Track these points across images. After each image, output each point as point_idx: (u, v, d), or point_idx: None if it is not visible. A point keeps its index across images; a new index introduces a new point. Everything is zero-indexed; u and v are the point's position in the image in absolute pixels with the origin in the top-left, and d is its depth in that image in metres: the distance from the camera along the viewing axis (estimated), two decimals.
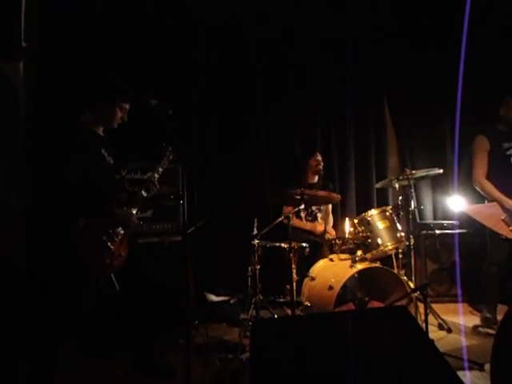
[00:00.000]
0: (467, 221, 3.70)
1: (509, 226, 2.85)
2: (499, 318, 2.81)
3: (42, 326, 2.03)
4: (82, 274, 2.04)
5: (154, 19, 3.67)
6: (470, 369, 2.25)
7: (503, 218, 2.87)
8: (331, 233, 3.67)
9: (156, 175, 2.33)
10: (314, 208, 3.70)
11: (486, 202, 3.00)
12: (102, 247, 2.08)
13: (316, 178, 3.75)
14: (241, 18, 3.98)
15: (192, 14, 3.82)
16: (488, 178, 2.97)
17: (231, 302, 3.34)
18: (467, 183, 3.21)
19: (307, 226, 3.64)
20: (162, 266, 2.84)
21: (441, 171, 3.18)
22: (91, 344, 2.54)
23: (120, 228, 2.16)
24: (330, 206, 3.83)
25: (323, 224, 3.52)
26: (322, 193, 3.12)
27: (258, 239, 2.94)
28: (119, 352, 2.47)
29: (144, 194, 2.27)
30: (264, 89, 4.04)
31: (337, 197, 3.09)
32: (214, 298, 3.36)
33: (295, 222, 3.56)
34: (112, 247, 2.11)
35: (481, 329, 2.94)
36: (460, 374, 2.15)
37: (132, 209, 2.23)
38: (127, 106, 2.31)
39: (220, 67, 3.93)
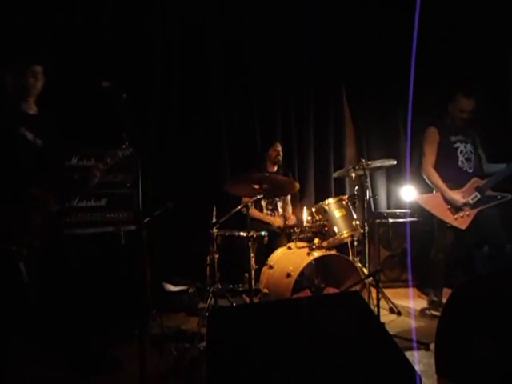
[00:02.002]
0: (418, 210, 3.89)
1: (454, 214, 3.02)
2: (445, 300, 2.99)
3: None
4: None
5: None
6: (418, 349, 2.38)
7: (449, 207, 3.03)
8: (292, 218, 3.69)
9: (101, 165, 2.17)
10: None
11: (434, 191, 3.15)
12: (8, 229, 1.90)
13: (275, 168, 3.77)
14: (201, 6, 3.88)
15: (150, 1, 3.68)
16: (435, 168, 3.09)
17: (189, 291, 3.31)
18: (419, 173, 3.34)
19: (266, 218, 3.67)
20: (118, 255, 2.76)
21: (394, 162, 3.30)
22: (28, 341, 2.35)
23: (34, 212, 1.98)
24: (289, 197, 3.88)
25: (282, 219, 3.57)
26: (281, 177, 3.13)
27: (216, 228, 2.93)
28: (55, 350, 2.30)
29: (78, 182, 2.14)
30: (224, 77, 3.99)
31: (296, 184, 3.11)
32: (171, 287, 3.31)
33: (255, 213, 3.58)
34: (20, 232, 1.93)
35: (427, 311, 3.10)
36: (408, 354, 2.27)
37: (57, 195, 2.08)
38: (38, 69, 2.05)
39: (179, 54, 3.82)
